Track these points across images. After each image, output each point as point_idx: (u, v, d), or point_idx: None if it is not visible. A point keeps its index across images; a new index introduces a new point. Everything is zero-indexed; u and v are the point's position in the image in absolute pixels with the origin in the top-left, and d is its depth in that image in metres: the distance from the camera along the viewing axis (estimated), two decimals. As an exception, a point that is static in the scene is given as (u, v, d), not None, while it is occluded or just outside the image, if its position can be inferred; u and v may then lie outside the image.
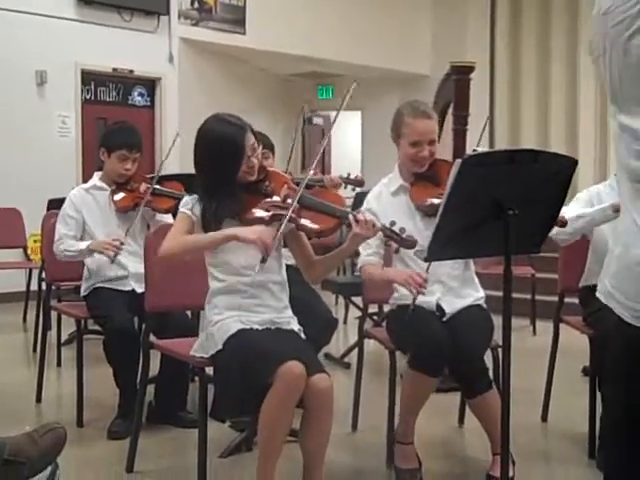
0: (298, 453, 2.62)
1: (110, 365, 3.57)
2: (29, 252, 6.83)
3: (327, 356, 4.93)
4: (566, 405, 3.90)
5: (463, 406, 3.62)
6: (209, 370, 2.73)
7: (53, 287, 4.37)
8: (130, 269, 3.70)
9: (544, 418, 3.79)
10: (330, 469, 2.80)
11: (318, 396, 2.48)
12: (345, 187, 4.36)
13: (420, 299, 2.87)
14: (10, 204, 6.67)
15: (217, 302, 2.71)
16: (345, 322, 6.29)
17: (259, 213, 2.69)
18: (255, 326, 2.64)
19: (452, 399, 3.70)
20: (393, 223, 2.61)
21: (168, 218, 3.81)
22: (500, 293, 2.18)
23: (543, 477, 3.25)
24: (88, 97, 8.40)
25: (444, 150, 3.56)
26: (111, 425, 3.50)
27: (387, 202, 3.13)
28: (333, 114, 2.91)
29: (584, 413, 3.33)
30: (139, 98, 8.85)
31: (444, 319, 3.00)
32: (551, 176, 2.13)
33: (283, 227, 2.57)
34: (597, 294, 1.55)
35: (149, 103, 8.93)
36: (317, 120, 11.64)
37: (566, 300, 3.71)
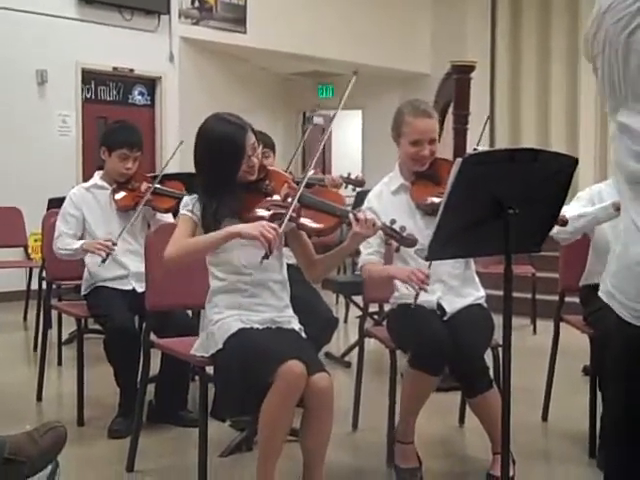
0: (298, 452, 2.62)
1: (110, 364, 3.57)
2: (29, 251, 6.83)
3: (328, 355, 4.93)
4: (566, 404, 3.90)
5: (463, 405, 3.62)
6: (209, 369, 2.73)
7: (54, 286, 4.37)
8: (131, 268, 3.70)
9: (544, 417, 3.79)
10: (330, 468, 2.80)
11: (318, 395, 2.48)
12: (346, 187, 4.36)
13: (421, 298, 2.87)
14: (10, 203, 6.67)
15: (218, 301, 2.71)
16: (346, 321, 6.29)
17: (260, 212, 2.69)
18: (256, 325, 2.64)
19: (452, 398, 3.70)
20: (393, 222, 2.61)
21: (168, 217, 3.81)
22: (500, 292, 2.17)
23: (543, 476, 3.25)
24: (88, 96, 8.40)
25: (444, 149, 3.56)
26: (112, 424, 3.50)
27: (388, 201, 3.13)
28: (334, 116, 2.90)
29: (584, 412, 3.33)
30: (139, 97, 8.85)
31: (445, 318, 3.00)
32: (552, 175, 2.13)
33: (284, 226, 2.57)
34: (599, 293, 1.55)
35: (149, 102, 8.93)
36: (317, 120, 11.64)
37: (567, 299, 3.71)
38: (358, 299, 4.91)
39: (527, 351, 4.99)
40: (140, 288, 3.56)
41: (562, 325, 3.69)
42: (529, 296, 6.29)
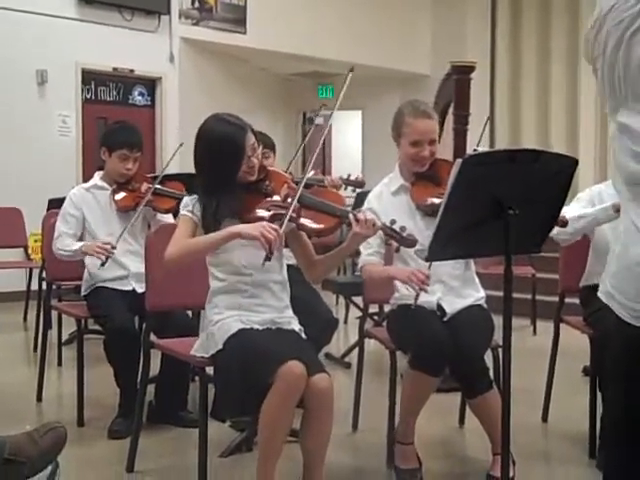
0: (298, 453, 2.62)
1: (110, 365, 3.57)
2: (29, 252, 6.83)
3: (328, 356, 4.93)
4: (566, 405, 3.90)
5: (463, 406, 3.62)
6: (209, 370, 2.73)
7: (53, 286, 4.37)
8: (131, 269, 3.70)
9: (544, 418, 3.79)
10: (330, 469, 2.80)
11: (318, 396, 2.48)
12: (345, 188, 4.36)
13: (421, 299, 2.87)
14: (10, 204, 6.67)
15: (218, 302, 2.71)
16: (346, 322, 6.29)
17: (260, 213, 2.69)
18: (256, 326, 2.64)
19: (452, 399, 3.70)
20: (393, 222, 2.61)
21: (169, 218, 3.81)
22: (500, 293, 2.17)
23: (543, 477, 3.25)
24: (88, 96, 8.41)
25: (444, 150, 3.56)
26: (112, 424, 3.50)
27: (388, 202, 3.13)
28: (334, 114, 2.90)
29: (584, 413, 3.32)
30: (139, 98, 8.85)
31: (445, 319, 3.00)
32: (552, 176, 2.13)
33: (284, 227, 2.57)
34: (599, 294, 1.55)
35: (149, 103, 8.93)
36: (319, 120, 11.63)
37: (566, 300, 3.71)
38: (358, 300, 4.92)
39: (527, 352, 4.99)
40: (140, 288, 3.56)
41: (562, 326, 3.69)
42: (529, 297, 6.29)
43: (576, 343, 3.84)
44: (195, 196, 2.72)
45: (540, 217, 2.23)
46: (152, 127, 8.82)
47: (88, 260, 3.72)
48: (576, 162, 2.16)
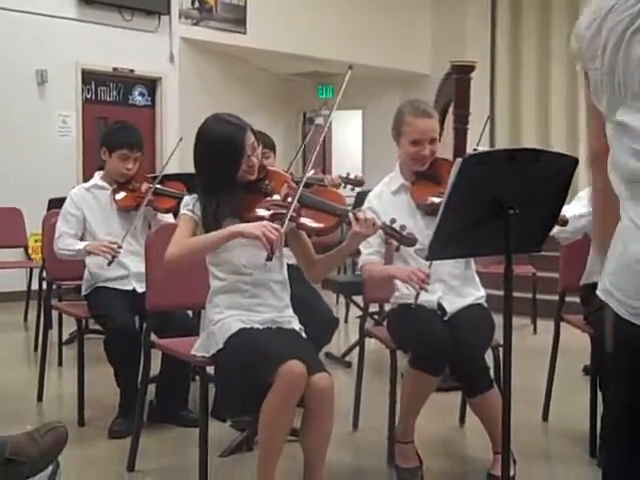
0: (299, 452, 2.62)
1: (111, 364, 3.57)
2: (30, 251, 6.83)
3: (328, 355, 4.93)
4: (567, 404, 3.90)
5: (464, 405, 3.62)
6: (210, 369, 2.73)
7: (54, 286, 4.37)
8: (131, 268, 3.70)
9: (545, 417, 3.79)
10: (331, 468, 2.80)
11: (319, 395, 2.48)
12: (344, 187, 4.36)
13: (421, 298, 2.87)
14: (11, 204, 6.67)
15: (218, 301, 2.72)
16: (346, 321, 6.29)
17: (260, 212, 2.69)
18: (256, 325, 2.64)
19: (453, 398, 3.70)
20: (393, 221, 2.61)
21: (169, 218, 3.81)
22: (501, 292, 2.17)
23: (544, 476, 3.25)
24: (89, 97, 8.40)
25: (445, 149, 3.56)
26: (112, 424, 3.51)
27: (388, 201, 3.13)
28: (334, 113, 2.91)
29: (585, 412, 3.32)
30: (140, 98, 8.85)
31: (445, 318, 3.00)
32: (552, 175, 2.13)
33: (285, 226, 2.57)
34: (597, 292, 1.55)
35: (150, 103, 8.93)
36: (319, 120, 11.64)
37: (567, 299, 3.71)
38: (358, 299, 4.92)
39: (527, 351, 4.98)
40: (140, 288, 3.56)
41: (562, 325, 3.69)
42: (529, 296, 6.29)
43: (577, 342, 3.84)
44: (195, 195, 2.72)
45: (540, 216, 2.23)
46: (152, 127, 8.82)
47: (89, 260, 3.72)
48: (576, 161, 2.16)
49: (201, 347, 2.74)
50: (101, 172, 3.91)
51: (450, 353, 2.82)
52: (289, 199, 2.67)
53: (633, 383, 1.47)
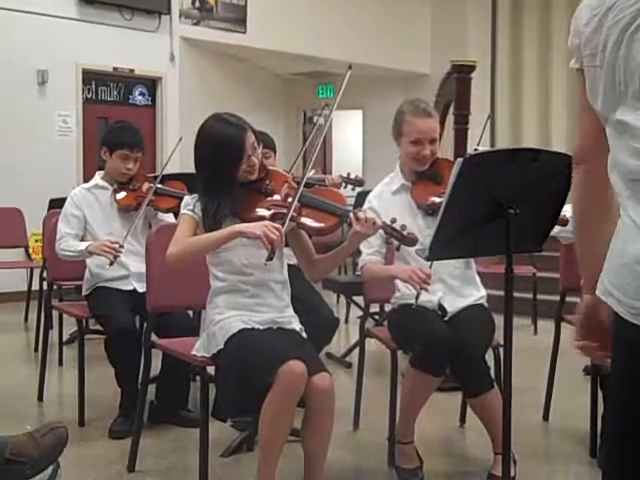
0: (299, 452, 2.62)
1: (111, 365, 3.57)
2: (30, 252, 6.83)
3: (328, 355, 4.92)
4: (567, 404, 3.90)
5: (464, 405, 3.62)
6: (210, 369, 2.73)
7: (54, 287, 4.38)
8: (131, 269, 3.70)
9: (545, 417, 3.79)
10: (331, 468, 2.80)
11: (319, 395, 2.48)
12: (345, 187, 4.37)
13: (422, 298, 2.87)
14: (11, 204, 6.67)
15: (219, 301, 2.71)
16: (346, 321, 6.29)
17: (260, 212, 2.69)
18: (257, 325, 2.64)
19: (453, 398, 3.70)
20: (394, 220, 2.61)
21: (170, 217, 3.81)
22: (501, 292, 2.17)
23: (545, 476, 3.25)
24: (89, 96, 8.40)
25: (445, 149, 3.56)
26: (112, 424, 3.50)
27: (388, 201, 3.13)
28: (333, 113, 2.91)
29: (585, 412, 3.32)
30: (140, 97, 8.85)
31: (446, 318, 3.00)
32: (552, 175, 2.13)
33: (286, 226, 2.57)
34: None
35: (150, 102, 8.93)
36: (320, 120, 11.63)
37: (567, 299, 3.71)
38: (359, 299, 4.91)
39: (528, 351, 4.98)
40: (141, 288, 3.56)
41: (563, 325, 3.68)
42: (530, 296, 6.28)
43: (577, 342, 3.83)
44: (196, 195, 2.72)
45: (541, 216, 2.22)
46: (152, 127, 8.82)
47: (89, 260, 3.72)
48: (577, 161, 2.16)
49: (201, 347, 2.74)
50: (101, 172, 3.91)
51: (451, 353, 2.82)
52: (290, 199, 2.67)
53: (633, 383, 1.47)
